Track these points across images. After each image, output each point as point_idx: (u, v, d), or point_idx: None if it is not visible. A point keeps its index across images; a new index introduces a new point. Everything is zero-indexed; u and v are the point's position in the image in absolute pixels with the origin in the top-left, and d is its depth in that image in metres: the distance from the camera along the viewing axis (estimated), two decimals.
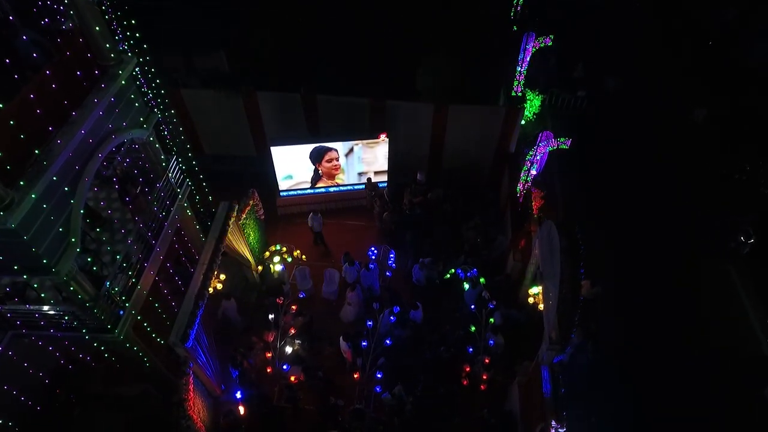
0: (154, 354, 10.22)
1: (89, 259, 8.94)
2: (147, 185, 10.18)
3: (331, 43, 15.37)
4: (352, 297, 12.44)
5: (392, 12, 15.92)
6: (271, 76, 15.41)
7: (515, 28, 17.95)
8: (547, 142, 14.38)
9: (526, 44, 15.39)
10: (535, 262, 11.73)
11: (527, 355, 11.07)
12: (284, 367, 11.33)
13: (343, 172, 15.33)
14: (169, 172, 10.25)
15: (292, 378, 11.27)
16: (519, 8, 18.59)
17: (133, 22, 9.50)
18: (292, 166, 14.75)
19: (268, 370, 11.56)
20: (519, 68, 15.59)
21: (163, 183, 10.14)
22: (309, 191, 15.53)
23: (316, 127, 15.43)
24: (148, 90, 10.18)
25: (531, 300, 11.35)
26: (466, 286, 12.12)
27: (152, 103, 10.22)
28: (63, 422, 10.58)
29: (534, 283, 11.83)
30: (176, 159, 10.77)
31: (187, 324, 9.63)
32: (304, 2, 15.58)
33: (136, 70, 9.06)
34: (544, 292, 10.57)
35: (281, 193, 15.47)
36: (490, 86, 17.01)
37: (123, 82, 8.34)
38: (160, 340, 10.12)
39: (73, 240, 7.30)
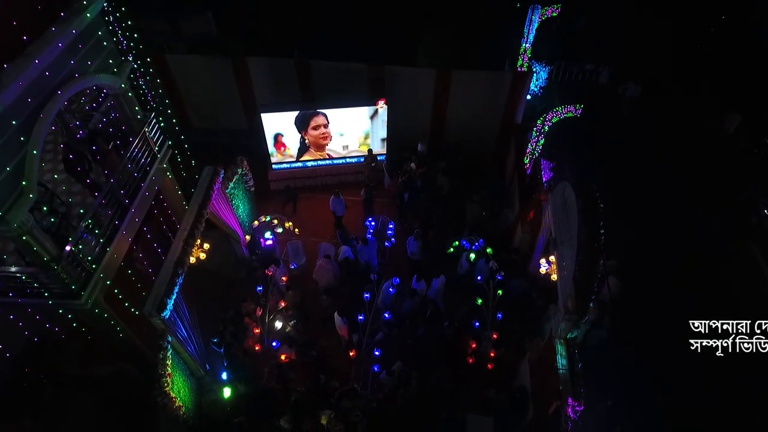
0: (130, 329, 9.36)
1: (49, 215, 8.03)
2: (120, 140, 9.27)
3: (325, 3, 14.43)
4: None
5: None
6: (263, 40, 14.46)
7: (518, 5, 16.99)
8: (556, 112, 13.54)
9: (531, 15, 14.55)
10: (547, 234, 10.85)
11: (536, 332, 10.28)
12: (273, 343, 10.42)
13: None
14: (147, 127, 9.33)
15: (283, 357, 10.36)
16: None
17: None
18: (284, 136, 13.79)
19: (257, 348, 10.64)
20: (524, 41, 14.69)
21: (139, 140, 9.23)
22: (301, 164, 14.57)
23: (311, 94, 14.45)
24: (122, 39, 9.28)
25: (543, 270, 10.44)
26: (472, 256, 11.21)
27: (129, 53, 9.33)
28: (33, 403, 9.70)
29: (544, 255, 10.93)
30: (155, 117, 9.87)
31: (165, 293, 8.69)
32: None
33: (107, 7, 8.16)
34: (558, 260, 9.67)
35: (273, 167, 14.54)
36: (495, 57, 16.12)
37: (88, 15, 7.43)
38: (136, 312, 9.23)
39: (24, 184, 6.39)
